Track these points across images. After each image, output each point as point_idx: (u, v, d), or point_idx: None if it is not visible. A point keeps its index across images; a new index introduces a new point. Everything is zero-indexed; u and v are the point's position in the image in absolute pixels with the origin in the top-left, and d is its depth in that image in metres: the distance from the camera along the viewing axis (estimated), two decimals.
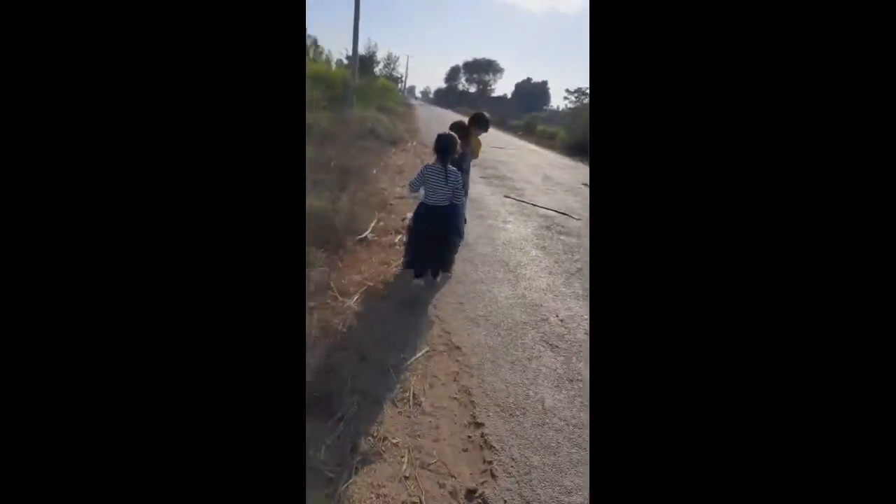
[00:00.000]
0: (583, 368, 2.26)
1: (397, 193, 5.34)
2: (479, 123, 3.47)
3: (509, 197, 5.90)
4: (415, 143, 10.37)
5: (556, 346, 2.44)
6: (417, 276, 2.93)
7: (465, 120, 3.51)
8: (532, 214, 5.17)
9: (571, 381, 2.14)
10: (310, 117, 8.75)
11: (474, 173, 7.25)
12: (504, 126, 22.57)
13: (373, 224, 3.93)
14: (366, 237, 3.64)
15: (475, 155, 3.55)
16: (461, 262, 3.39)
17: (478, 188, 6.20)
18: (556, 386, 2.09)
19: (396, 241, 3.66)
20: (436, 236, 2.81)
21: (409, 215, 3.23)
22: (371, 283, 2.85)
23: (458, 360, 2.17)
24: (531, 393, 2.01)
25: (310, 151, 5.39)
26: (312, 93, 10.68)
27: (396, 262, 3.22)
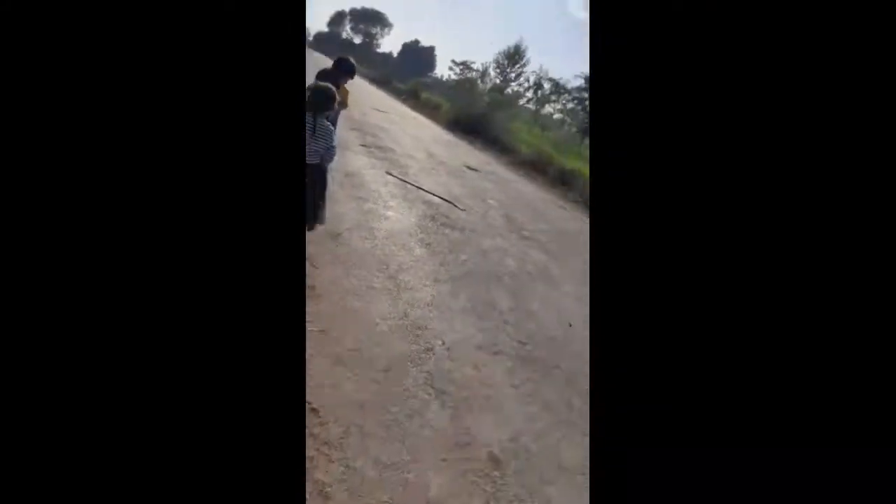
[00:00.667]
0: (472, 425, 1.84)
1: None
2: (345, 68, 3.08)
3: (391, 175, 5.24)
4: None
5: (443, 392, 1.97)
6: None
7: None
8: (416, 200, 4.62)
9: (461, 447, 1.70)
10: None
11: (353, 139, 6.40)
12: (388, 87, 21.27)
13: None
14: None
15: (344, 105, 3.17)
16: (329, 265, 2.70)
17: (358, 160, 5.40)
18: (443, 461, 1.62)
19: None
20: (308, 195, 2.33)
21: None
22: None
23: (313, 434, 1.55)
24: (410, 479, 1.51)
25: None
26: None
27: None
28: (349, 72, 3.09)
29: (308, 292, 2.37)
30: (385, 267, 2.94)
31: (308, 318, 2.18)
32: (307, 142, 2.19)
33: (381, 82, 22.57)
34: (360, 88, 15.74)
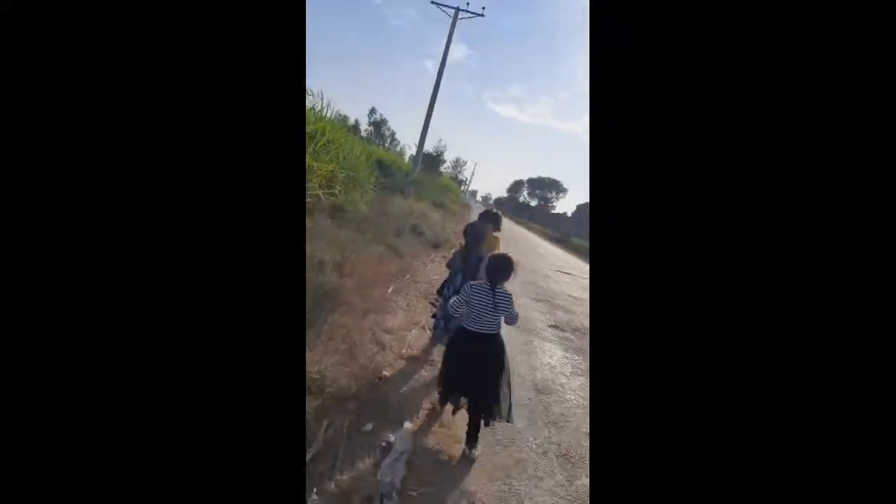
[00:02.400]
0: None
1: (409, 343, 2.97)
2: (490, 219, 3.17)
3: None
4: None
5: None
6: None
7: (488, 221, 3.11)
8: None
9: None
10: (348, 198, 7.04)
11: (538, 316, 4.84)
12: (566, 244, 20.50)
13: None
14: None
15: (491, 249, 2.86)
16: None
17: (551, 355, 3.68)
18: None
19: None
20: (481, 375, 2.01)
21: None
22: None
23: None
24: None
25: (311, 248, 3.37)
26: (371, 176, 9.43)
27: None
28: (495, 222, 3.21)
29: None
30: None
31: None
32: (488, 310, 2.00)
33: (559, 240, 22.13)
34: (536, 245, 15.29)
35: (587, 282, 9.36)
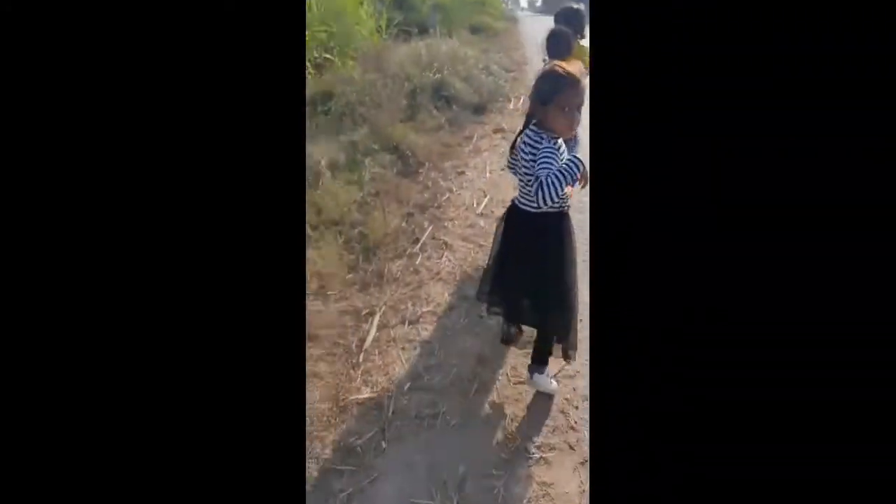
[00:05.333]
0: None
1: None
2: (571, 19, 2.18)
3: None
4: (523, 98, 5.47)
5: None
6: (507, 337, 1.62)
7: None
8: None
9: None
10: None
11: None
12: None
13: None
14: None
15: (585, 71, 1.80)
16: None
17: None
18: None
19: None
20: (540, 269, 1.42)
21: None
22: None
23: None
24: None
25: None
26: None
27: None
28: (578, 24, 2.17)
29: None
30: None
31: None
32: (524, 164, 1.34)
33: None
34: None
35: None
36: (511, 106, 5.16)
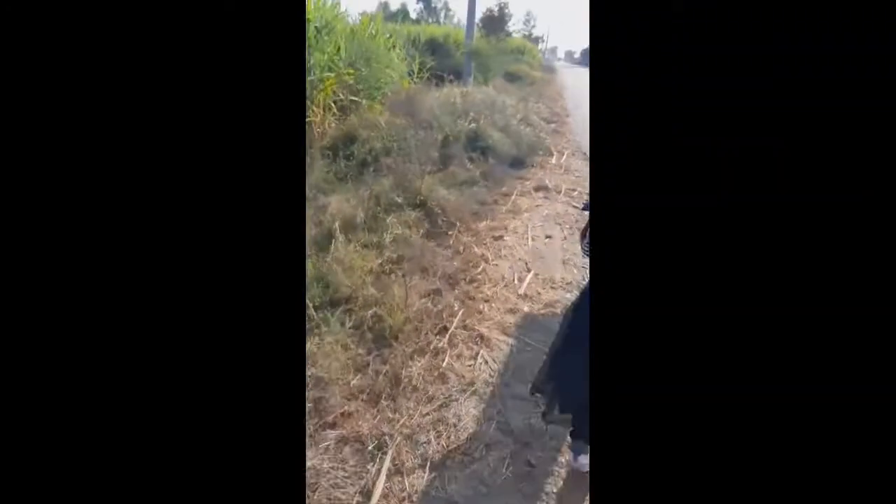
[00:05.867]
0: None
1: None
2: None
3: None
4: (567, 154, 5.04)
5: None
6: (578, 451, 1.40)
7: None
8: None
9: None
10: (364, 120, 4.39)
11: None
12: None
13: None
14: None
15: None
16: None
17: None
18: None
19: None
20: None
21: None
22: None
23: None
24: None
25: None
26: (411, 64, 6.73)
27: None
28: None
29: None
30: None
31: None
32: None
33: None
34: None
35: None
36: (553, 161, 4.73)
